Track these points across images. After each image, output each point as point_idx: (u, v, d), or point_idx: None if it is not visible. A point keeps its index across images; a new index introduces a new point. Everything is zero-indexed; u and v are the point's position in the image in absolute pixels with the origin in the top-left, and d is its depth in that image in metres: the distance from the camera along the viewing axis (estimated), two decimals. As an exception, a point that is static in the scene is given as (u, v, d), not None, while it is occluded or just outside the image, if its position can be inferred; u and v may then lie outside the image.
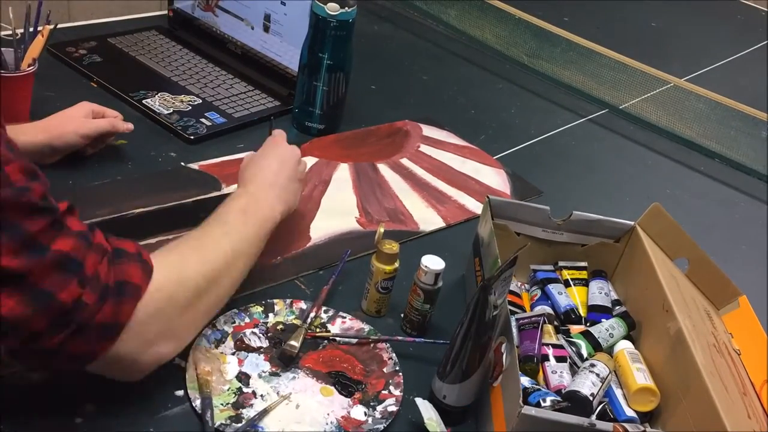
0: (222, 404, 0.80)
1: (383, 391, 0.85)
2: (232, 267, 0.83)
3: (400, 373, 0.86)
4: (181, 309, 0.75)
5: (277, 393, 0.82)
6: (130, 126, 1.12)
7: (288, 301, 0.93)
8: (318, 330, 0.91)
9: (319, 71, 1.24)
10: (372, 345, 0.90)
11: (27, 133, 1.00)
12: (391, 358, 0.88)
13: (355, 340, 0.91)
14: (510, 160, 1.39)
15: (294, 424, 0.80)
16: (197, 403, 0.78)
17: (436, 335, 0.93)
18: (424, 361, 0.89)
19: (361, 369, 0.88)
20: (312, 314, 0.92)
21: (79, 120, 1.07)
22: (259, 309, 0.92)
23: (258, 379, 0.84)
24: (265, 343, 0.88)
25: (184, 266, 0.77)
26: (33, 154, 1.01)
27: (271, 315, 0.92)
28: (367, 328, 0.92)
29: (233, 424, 0.77)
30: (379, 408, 0.83)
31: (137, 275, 0.71)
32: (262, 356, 0.86)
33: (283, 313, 0.92)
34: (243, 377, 0.84)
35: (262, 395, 0.82)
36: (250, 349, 0.87)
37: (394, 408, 0.82)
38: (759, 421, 0.80)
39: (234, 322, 0.89)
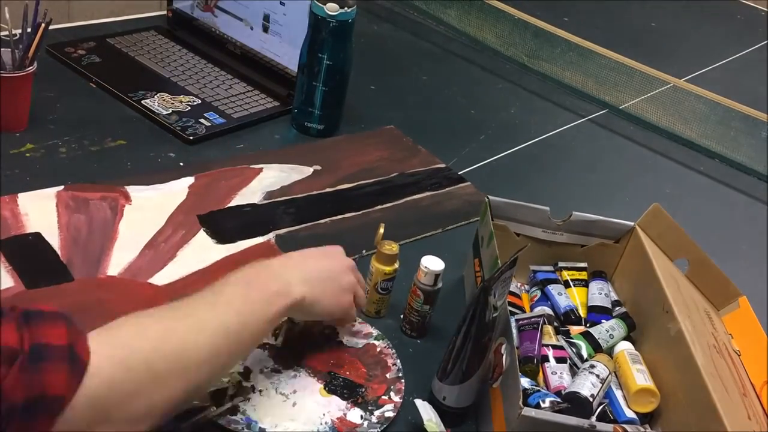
0: None
1: (383, 396, 0.84)
2: (215, 348, 0.67)
3: (403, 380, 0.86)
4: (125, 397, 0.60)
5: (276, 390, 0.83)
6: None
7: None
8: (326, 330, 0.91)
9: (319, 71, 1.24)
10: (378, 350, 0.90)
11: None
12: (395, 364, 0.88)
13: (362, 344, 0.90)
14: (510, 160, 1.39)
15: (288, 421, 0.80)
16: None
17: (435, 336, 0.93)
18: (424, 363, 0.89)
19: (364, 372, 0.87)
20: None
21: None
22: None
23: (259, 374, 0.84)
24: (271, 340, 0.88)
25: (136, 342, 0.62)
26: None
27: None
28: (375, 332, 0.92)
29: (227, 415, 0.78)
30: (377, 413, 0.82)
31: (59, 383, 0.55)
32: (266, 352, 0.87)
33: None
34: (245, 371, 0.84)
35: (260, 390, 0.82)
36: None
37: (391, 414, 0.82)
38: (759, 422, 0.80)
39: None
